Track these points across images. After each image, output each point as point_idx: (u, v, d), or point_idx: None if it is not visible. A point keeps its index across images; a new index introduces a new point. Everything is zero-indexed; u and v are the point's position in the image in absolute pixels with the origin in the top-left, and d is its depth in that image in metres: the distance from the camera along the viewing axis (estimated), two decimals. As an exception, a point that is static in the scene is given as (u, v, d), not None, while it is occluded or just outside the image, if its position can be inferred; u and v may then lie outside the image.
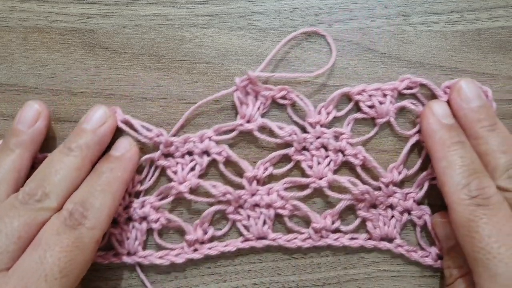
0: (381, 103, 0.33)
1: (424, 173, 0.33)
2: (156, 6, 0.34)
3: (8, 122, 0.34)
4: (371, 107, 0.33)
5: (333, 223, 0.33)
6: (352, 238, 0.34)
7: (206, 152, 0.33)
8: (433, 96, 0.33)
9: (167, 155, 0.33)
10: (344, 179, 0.33)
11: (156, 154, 0.33)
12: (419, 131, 0.33)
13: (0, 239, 0.27)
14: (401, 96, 0.34)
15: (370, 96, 0.33)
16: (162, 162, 0.33)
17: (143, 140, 0.33)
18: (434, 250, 0.33)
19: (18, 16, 0.34)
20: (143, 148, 0.33)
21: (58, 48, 0.34)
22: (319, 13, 0.34)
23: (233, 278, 0.34)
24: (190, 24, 0.34)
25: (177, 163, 0.33)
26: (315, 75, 0.33)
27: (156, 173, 0.34)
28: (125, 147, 0.32)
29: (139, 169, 0.34)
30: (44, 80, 0.34)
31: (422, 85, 0.33)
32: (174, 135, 0.34)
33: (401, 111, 0.34)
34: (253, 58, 0.34)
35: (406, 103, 0.33)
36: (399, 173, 0.33)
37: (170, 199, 0.33)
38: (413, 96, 0.34)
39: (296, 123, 0.34)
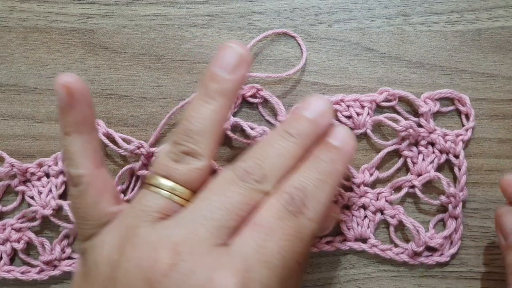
0: (358, 114, 0.33)
1: (400, 178, 0.33)
2: (156, 6, 0.35)
3: (8, 122, 0.34)
4: (348, 117, 0.33)
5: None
6: (328, 242, 0.33)
7: None
8: (413, 107, 0.33)
9: (148, 165, 0.33)
10: None
11: (136, 165, 0.33)
12: (401, 140, 0.33)
13: (221, 213, 0.25)
14: (380, 108, 0.34)
15: (348, 106, 0.33)
16: (143, 172, 0.33)
17: (124, 153, 0.33)
18: (410, 247, 0.33)
19: (18, 16, 0.35)
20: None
21: (58, 48, 0.34)
22: (319, 13, 0.34)
23: (233, 278, 0.34)
24: (190, 24, 0.34)
25: None
26: (286, 76, 0.33)
27: (138, 183, 0.34)
28: (344, 138, 0.28)
29: (121, 180, 0.34)
30: (44, 80, 0.34)
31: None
32: (153, 143, 0.34)
33: (379, 123, 0.34)
34: (252, 58, 0.34)
35: (383, 118, 0.33)
36: (371, 174, 0.33)
37: None
38: (392, 109, 0.34)
39: (268, 122, 0.34)
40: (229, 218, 0.25)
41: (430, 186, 0.34)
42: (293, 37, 0.34)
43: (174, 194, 0.26)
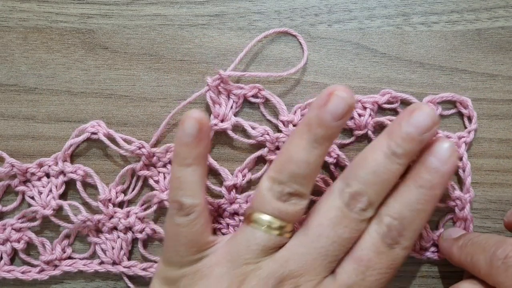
0: (360, 115, 0.33)
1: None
2: (156, 6, 0.35)
3: (8, 122, 0.34)
4: (350, 118, 0.33)
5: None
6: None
7: None
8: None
9: (149, 165, 0.33)
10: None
11: (137, 165, 0.33)
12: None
13: (334, 250, 0.27)
14: (382, 110, 0.34)
15: None
16: (144, 172, 0.33)
17: (124, 154, 0.33)
18: (417, 242, 0.33)
19: (18, 16, 0.35)
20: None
21: (58, 48, 0.34)
22: (319, 13, 0.34)
23: (233, 278, 0.34)
24: (190, 24, 0.34)
25: (159, 172, 0.33)
26: (288, 74, 0.33)
27: (139, 183, 0.34)
28: (446, 157, 0.27)
29: (122, 179, 0.34)
30: (44, 80, 0.34)
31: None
32: (155, 144, 0.34)
33: (381, 125, 0.34)
34: (253, 58, 0.34)
35: (385, 120, 0.33)
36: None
37: (153, 208, 0.33)
38: (394, 111, 0.34)
39: (269, 122, 0.34)
40: (339, 252, 0.27)
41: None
42: (294, 36, 0.34)
43: (284, 231, 0.28)
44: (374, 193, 0.27)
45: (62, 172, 0.33)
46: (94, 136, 0.33)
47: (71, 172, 0.33)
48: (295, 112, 0.33)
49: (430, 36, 0.34)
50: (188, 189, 0.28)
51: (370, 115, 0.33)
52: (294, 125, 0.33)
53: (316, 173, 0.28)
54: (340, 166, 0.34)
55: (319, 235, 0.27)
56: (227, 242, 0.29)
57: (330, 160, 0.33)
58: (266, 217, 0.27)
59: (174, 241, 0.28)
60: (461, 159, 0.33)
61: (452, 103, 0.34)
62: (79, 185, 0.33)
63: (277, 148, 0.33)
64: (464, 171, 0.33)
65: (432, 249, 0.33)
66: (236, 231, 0.30)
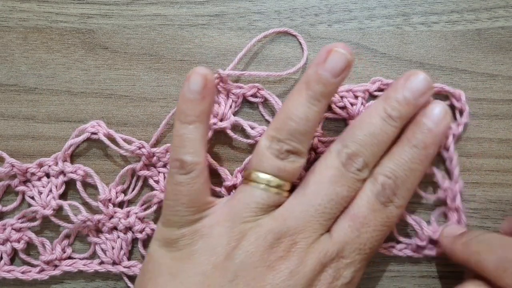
0: (352, 104, 0.33)
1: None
2: (156, 6, 0.35)
3: (8, 122, 0.34)
4: (342, 108, 0.33)
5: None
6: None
7: None
8: None
9: (149, 165, 0.33)
10: None
11: (137, 165, 0.33)
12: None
13: (331, 207, 0.28)
14: (373, 98, 0.34)
15: (341, 97, 0.33)
16: (144, 172, 0.33)
17: (125, 154, 0.33)
18: (414, 241, 0.33)
19: (18, 16, 0.35)
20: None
21: (58, 48, 0.34)
22: (319, 13, 0.34)
23: (233, 278, 0.34)
24: (190, 24, 0.34)
25: (159, 172, 0.33)
26: (287, 74, 0.33)
27: (139, 184, 0.34)
28: (439, 118, 0.29)
29: (122, 179, 0.34)
30: (44, 80, 0.34)
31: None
32: (155, 144, 0.34)
33: None
34: (253, 58, 0.34)
35: None
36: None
37: (153, 208, 0.33)
38: None
39: (268, 122, 0.34)
40: (336, 211, 0.28)
41: (427, 182, 0.34)
42: (294, 36, 0.34)
43: (282, 190, 0.28)
44: (370, 154, 0.28)
45: (62, 172, 0.33)
46: (94, 136, 0.33)
47: (71, 172, 0.33)
48: None
49: (430, 36, 0.34)
50: (189, 147, 0.28)
51: (362, 103, 0.33)
52: None
53: (313, 131, 0.29)
54: None
55: (317, 193, 0.28)
56: (226, 202, 0.29)
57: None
58: (264, 176, 0.28)
59: (173, 200, 0.28)
60: (448, 149, 0.33)
61: (447, 96, 0.34)
62: (79, 185, 0.33)
63: None
64: (451, 161, 0.33)
65: (429, 246, 0.33)
66: (235, 191, 0.30)
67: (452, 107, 0.34)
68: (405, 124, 0.29)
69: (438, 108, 0.29)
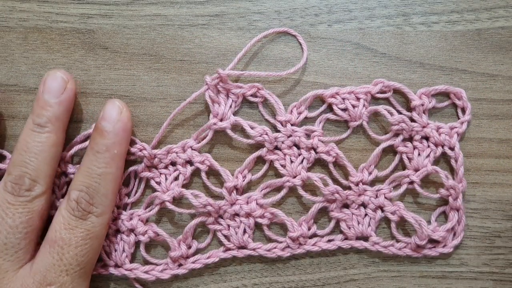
0: (354, 106, 0.33)
1: (399, 173, 0.33)
2: (156, 6, 0.34)
3: (8, 122, 0.34)
4: (344, 110, 0.33)
5: (309, 229, 0.33)
6: (329, 241, 0.33)
7: (189, 162, 0.33)
8: (408, 100, 0.33)
9: (150, 167, 0.33)
10: (316, 177, 0.33)
11: (139, 167, 0.33)
12: (395, 135, 0.33)
13: (9, 239, 0.28)
14: (375, 100, 0.34)
15: (343, 99, 0.33)
16: (146, 174, 0.33)
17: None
18: (413, 240, 0.33)
19: (18, 16, 0.34)
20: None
21: (58, 48, 0.34)
22: (319, 13, 0.34)
23: (233, 278, 0.34)
24: (190, 24, 0.34)
25: (161, 173, 0.33)
26: (287, 74, 0.33)
27: (142, 185, 0.34)
28: (115, 116, 0.30)
29: (125, 182, 0.33)
30: (44, 80, 0.34)
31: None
32: (156, 145, 0.34)
33: (375, 115, 0.34)
34: (253, 58, 0.34)
35: (379, 108, 0.33)
36: (370, 173, 0.33)
37: (155, 210, 0.33)
38: (387, 100, 0.34)
39: (267, 121, 0.34)
40: (19, 241, 0.28)
41: (428, 181, 0.34)
42: (294, 36, 0.34)
43: None
44: (34, 169, 0.29)
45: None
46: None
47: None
48: (291, 111, 0.33)
49: (430, 36, 0.34)
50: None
51: (364, 105, 0.33)
52: (292, 125, 0.33)
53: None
54: (339, 165, 0.34)
55: None
56: None
57: (329, 159, 0.33)
58: None
59: None
60: (453, 149, 0.33)
61: (447, 96, 0.34)
62: None
63: (276, 148, 0.33)
64: (456, 161, 0.33)
65: (429, 245, 0.33)
66: None
67: (454, 106, 0.34)
68: None
69: (110, 107, 0.30)
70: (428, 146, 0.33)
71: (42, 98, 0.30)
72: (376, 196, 0.33)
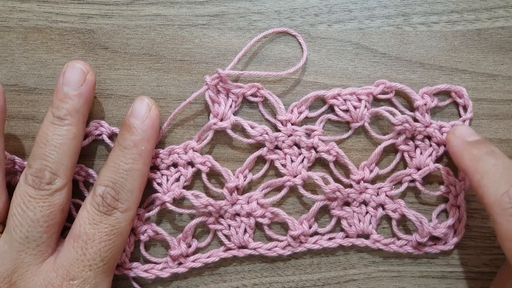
0: (355, 107, 0.33)
1: (400, 172, 0.33)
2: (156, 6, 0.35)
3: (8, 122, 0.34)
4: (345, 111, 0.33)
5: (310, 227, 0.33)
6: (330, 239, 0.33)
7: (190, 163, 0.33)
8: (409, 101, 0.33)
9: (152, 167, 0.33)
10: (317, 176, 0.33)
11: None
12: (397, 135, 0.33)
13: (31, 232, 0.28)
14: (377, 101, 0.34)
15: (345, 100, 0.33)
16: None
17: None
18: (414, 238, 0.33)
19: (18, 16, 0.35)
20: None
21: (58, 48, 0.34)
22: (319, 13, 0.34)
23: (233, 278, 0.34)
24: (190, 24, 0.34)
25: (162, 174, 0.33)
26: (286, 74, 0.33)
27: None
28: (144, 112, 0.30)
29: None
30: (44, 80, 0.34)
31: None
32: (156, 146, 0.33)
33: (376, 116, 0.34)
34: (253, 58, 0.34)
35: (381, 110, 0.33)
36: (371, 171, 0.33)
37: (156, 210, 0.33)
38: (389, 101, 0.34)
39: (268, 121, 0.34)
40: (41, 234, 0.28)
41: (429, 179, 0.34)
42: (294, 36, 0.34)
43: None
44: (54, 162, 0.29)
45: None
46: (98, 137, 0.33)
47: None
48: (292, 110, 0.33)
49: (430, 36, 0.34)
50: None
51: (365, 106, 0.33)
52: (292, 124, 0.33)
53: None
54: (339, 164, 0.34)
55: (14, 226, 0.28)
56: None
57: (329, 158, 0.33)
58: None
59: None
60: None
61: (448, 95, 0.34)
62: (81, 185, 0.33)
63: (276, 147, 0.33)
64: None
65: (430, 243, 0.33)
66: None
67: (455, 105, 0.34)
68: None
69: (140, 104, 0.30)
70: (431, 145, 0.33)
71: (61, 91, 0.29)
72: (377, 194, 0.33)
